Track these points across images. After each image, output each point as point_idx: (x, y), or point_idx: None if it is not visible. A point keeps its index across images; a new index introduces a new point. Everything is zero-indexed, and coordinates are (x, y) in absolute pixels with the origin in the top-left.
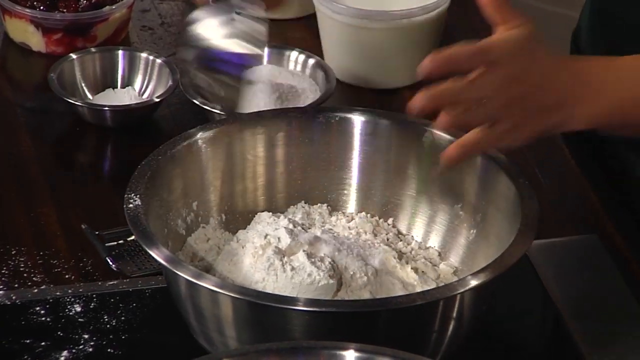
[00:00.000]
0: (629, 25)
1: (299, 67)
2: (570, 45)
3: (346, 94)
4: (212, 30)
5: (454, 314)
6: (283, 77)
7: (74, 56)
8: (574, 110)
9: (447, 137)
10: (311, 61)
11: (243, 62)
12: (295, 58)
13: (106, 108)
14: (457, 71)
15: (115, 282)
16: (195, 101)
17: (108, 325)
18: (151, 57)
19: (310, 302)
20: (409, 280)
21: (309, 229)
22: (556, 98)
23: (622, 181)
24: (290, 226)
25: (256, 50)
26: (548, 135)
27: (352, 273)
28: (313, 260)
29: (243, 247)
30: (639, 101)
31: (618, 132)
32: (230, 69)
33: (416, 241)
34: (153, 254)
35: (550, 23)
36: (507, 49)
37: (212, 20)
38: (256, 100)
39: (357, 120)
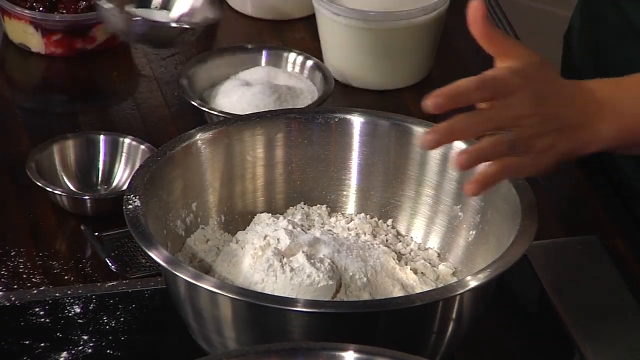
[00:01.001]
0: (615, 25)
1: (297, 69)
2: (563, 46)
3: (346, 95)
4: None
5: (454, 315)
6: (281, 79)
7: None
8: (596, 129)
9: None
10: (309, 63)
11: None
12: (293, 60)
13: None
14: (465, 104)
15: (114, 283)
16: (193, 103)
17: (107, 327)
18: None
19: (310, 303)
20: (409, 282)
21: (309, 230)
22: (578, 118)
23: (622, 182)
24: (290, 227)
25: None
26: (571, 158)
27: (351, 274)
28: (313, 261)
29: (242, 249)
30: None
31: (635, 151)
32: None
33: (416, 242)
34: (152, 255)
35: (545, 23)
36: (522, 74)
37: None
38: (255, 101)
39: (357, 122)
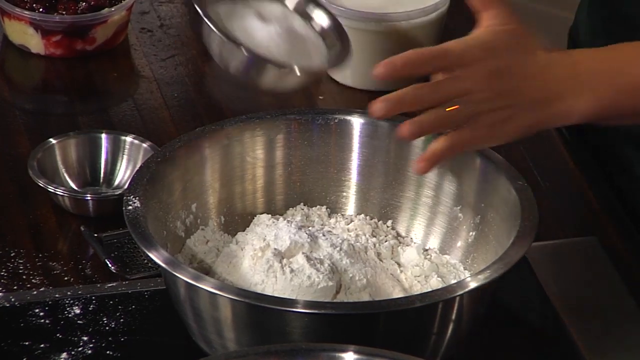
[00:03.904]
0: (629, 17)
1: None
2: (567, 45)
3: (346, 95)
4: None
5: (453, 316)
6: (298, 25)
7: (53, 141)
8: (569, 103)
9: None
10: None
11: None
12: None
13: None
14: (417, 74)
15: (114, 284)
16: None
17: (107, 328)
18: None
19: (310, 304)
20: (408, 282)
21: (309, 231)
22: (548, 91)
23: (621, 182)
24: (290, 228)
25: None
26: (543, 129)
27: (351, 275)
28: (312, 262)
29: (242, 249)
30: (636, 88)
31: (615, 123)
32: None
33: (415, 243)
34: (152, 256)
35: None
36: (483, 46)
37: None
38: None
39: (356, 122)
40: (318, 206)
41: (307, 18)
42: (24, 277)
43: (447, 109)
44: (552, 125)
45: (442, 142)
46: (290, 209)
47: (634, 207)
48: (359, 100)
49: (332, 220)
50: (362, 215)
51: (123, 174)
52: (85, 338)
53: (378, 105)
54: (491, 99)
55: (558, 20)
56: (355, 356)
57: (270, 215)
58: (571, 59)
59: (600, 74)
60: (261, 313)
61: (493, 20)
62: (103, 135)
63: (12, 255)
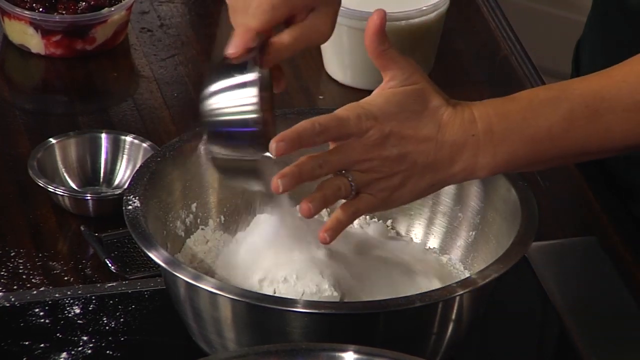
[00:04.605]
0: (629, 41)
1: None
2: (572, 54)
3: (346, 95)
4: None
5: (453, 316)
6: None
7: (53, 141)
8: (469, 162)
9: None
10: None
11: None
12: None
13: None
14: (308, 147)
15: (114, 284)
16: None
17: (107, 327)
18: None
19: (310, 304)
20: (409, 281)
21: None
22: (444, 153)
23: (621, 183)
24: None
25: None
26: (436, 191)
27: (351, 275)
28: (319, 270)
29: (242, 249)
30: (541, 139)
31: (526, 170)
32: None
33: (415, 243)
34: (152, 255)
35: (557, 27)
36: (374, 114)
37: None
38: None
39: None
40: None
41: None
42: (24, 276)
43: (336, 182)
44: (456, 182)
45: (343, 211)
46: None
47: (633, 206)
48: (358, 100)
49: None
50: (363, 215)
51: (123, 173)
52: (85, 338)
53: (278, 182)
54: (380, 167)
55: (571, 24)
56: (355, 356)
57: (270, 215)
58: (470, 116)
59: (497, 132)
60: (261, 313)
61: (393, 81)
62: (103, 135)
63: (12, 255)
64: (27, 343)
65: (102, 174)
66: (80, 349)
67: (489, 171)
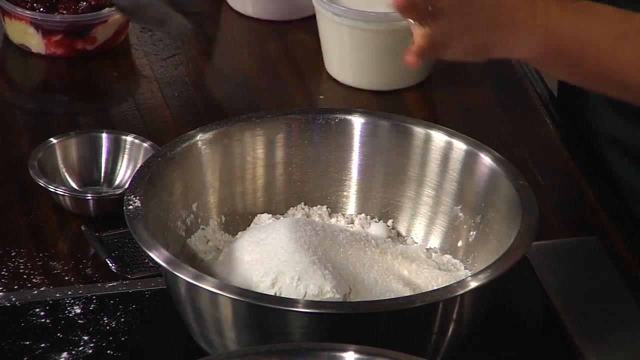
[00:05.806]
0: None
1: None
2: None
3: (346, 95)
4: None
5: (454, 316)
6: None
7: (54, 140)
8: (514, 33)
9: (444, 137)
10: None
11: None
12: None
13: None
14: None
15: (114, 283)
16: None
17: (108, 327)
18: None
19: (310, 304)
20: (410, 281)
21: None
22: (500, 18)
23: (621, 183)
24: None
25: None
26: (493, 56)
27: (351, 275)
28: (321, 271)
29: (243, 249)
30: (577, 36)
31: (552, 71)
32: None
33: (416, 243)
34: (153, 255)
35: None
36: None
37: None
38: None
39: (357, 122)
40: (319, 206)
41: None
42: (25, 276)
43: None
44: (499, 55)
45: (423, 37)
46: (291, 208)
47: (633, 206)
48: (359, 100)
49: (333, 220)
50: (363, 215)
51: (123, 173)
52: (85, 338)
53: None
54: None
55: None
56: (356, 356)
57: (270, 215)
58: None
59: (548, 14)
60: (262, 313)
61: None
62: (103, 135)
63: (12, 254)
64: (27, 343)
65: (102, 174)
66: (80, 348)
67: (523, 50)
